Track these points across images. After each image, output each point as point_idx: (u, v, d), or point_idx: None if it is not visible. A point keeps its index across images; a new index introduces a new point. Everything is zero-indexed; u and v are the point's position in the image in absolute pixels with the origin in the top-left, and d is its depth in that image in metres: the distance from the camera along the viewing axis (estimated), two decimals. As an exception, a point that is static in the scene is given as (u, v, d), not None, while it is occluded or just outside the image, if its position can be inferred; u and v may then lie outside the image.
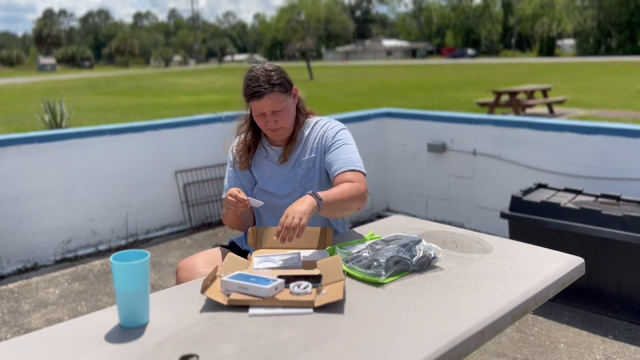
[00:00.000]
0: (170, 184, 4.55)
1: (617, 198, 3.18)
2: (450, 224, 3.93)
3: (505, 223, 3.57)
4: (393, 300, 1.42)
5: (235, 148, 2.11)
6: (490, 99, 12.69)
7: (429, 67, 43.41)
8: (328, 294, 1.42)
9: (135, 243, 4.32)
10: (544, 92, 12.58)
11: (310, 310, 1.37)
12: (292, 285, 1.46)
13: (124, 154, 4.27)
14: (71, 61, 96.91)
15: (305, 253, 1.76)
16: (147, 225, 4.43)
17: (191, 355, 1.17)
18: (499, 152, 4.19)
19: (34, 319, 3.13)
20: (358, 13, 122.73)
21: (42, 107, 8.39)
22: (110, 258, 1.33)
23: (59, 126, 8.15)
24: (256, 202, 1.82)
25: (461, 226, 4.32)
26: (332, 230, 1.85)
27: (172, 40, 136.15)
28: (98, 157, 4.14)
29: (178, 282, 1.93)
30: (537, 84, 16.38)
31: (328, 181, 2.02)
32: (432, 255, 1.63)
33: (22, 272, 3.82)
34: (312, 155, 2.02)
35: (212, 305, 1.42)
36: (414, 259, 1.59)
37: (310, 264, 1.65)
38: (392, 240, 1.69)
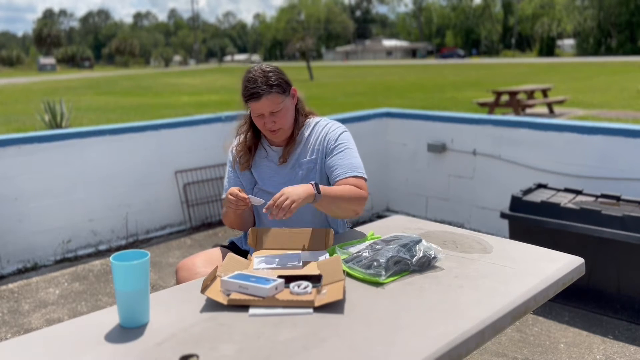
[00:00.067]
0: (170, 184, 4.55)
1: (617, 198, 3.18)
2: (450, 224, 3.93)
3: (505, 223, 3.57)
4: (393, 300, 1.42)
5: (235, 148, 2.11)
6: (490, 99, 12.69)
7: (429, 67, 43.43)
8: (328, 294, 1.42)
9: (135, 243, 4.32)
10: (544, 92, 12.58)
11: (310, 310, 1.37)
12: (292, 285, 1.46)
13: (124, 154, 4.27)
14: (71, 61, 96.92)
15: (305, 253, 1.76)
16: (147, 225, 4.43)
17: (191, 355, 1.17)
18: (499, 152, 4.19)
19: (34, 319, 3.13)
20: (358, 13, 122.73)
21: (42, 107, 8.39)
22: (110, 258, 1.33)
23: (59, 126, 8.15)
24: (257, 200, 1.83)
25: (461, 226, 4.32)
26: (332, 230, 1.85)
27: (172, 40, 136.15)
28: (98, 157, 4.14)
29: (178, 282, 1.93)
30: (537, 84, 16.37)
31: (328, 184, 2.03)
32: (432, 255, 1.63)
33: (22, 272, 3.82)
34: (314, 156, 2.02)
35: (212, 305, 1.42)
36: (414, 259, 1.59)
37: (310, 264, 1.65)
38: (392, 240, 1.69)
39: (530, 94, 12.37)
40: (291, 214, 1.69)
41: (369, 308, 1.38)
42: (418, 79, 28.15)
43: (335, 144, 2.01)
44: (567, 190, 3.38)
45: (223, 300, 1.41)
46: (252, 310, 1.38)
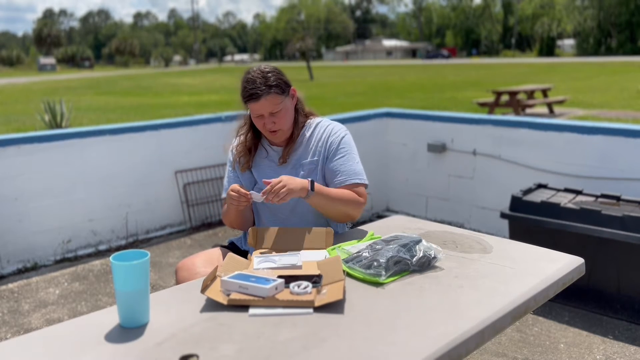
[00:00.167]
0: (170, 184, 4.55)
1: (617, 198, 3.18)
2: (450, 224, 3.93)
3: (505, 223, 3.57)
4: (393, 300, 1.42)
5: (235, 149, 2.11)
6: (490, 99, 12.69)
7: (429, 67, 43.42)
8: (328, 294, 1.42)
9: (135, 243, 4.32)
10: (544, 92, 12.58)
11: (310, 310, 1.37)
12: (292, 285, 1.46)
13: (124, 154, 4.27)
14: (71, 61, 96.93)
15: (305, 253, 1.76)
16: (147, 225, 4.43)
17: (191, 355, 1.17)
18: (499, 152, 4.19)
19: (34, 319, 3.13)
20: (358, 13, 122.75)
21: (42, 107, 8.40)
22: (110, 258, 1.33)
23: (59, 126, 8.15)
24: (258, 197, 1.84)
25: (461, 226, 4.32)
26: (332, 230, 1.86)
27: (172, 40, 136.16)
28: (98, 157, 4.14)
29: (178, 282, 1.93)
30: (537, 84, 16.38)
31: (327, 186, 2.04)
32: (432, 255, 1.63)
33: (22, 272, 3.82)
34: (315, 158, 2.03)
35: (212, 305, 1.42)
36: (414, 259, 1.59)
37: (310, 264, 1.65)
38: (392, 240, 1.69)
39: (530, 94, 12.37)
40: (284, 201, 1.80)
41: (369, 308, 1.38)
42: (418, 79, 28.15)
43: (338, 149, 2.02)
44: (567, 190, 3.38)
45: (223, 300, 1.41)
46: (252, 310, 1.38)
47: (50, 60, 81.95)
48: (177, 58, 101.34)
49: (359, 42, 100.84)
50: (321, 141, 2.04)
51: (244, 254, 2.02)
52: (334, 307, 1.39)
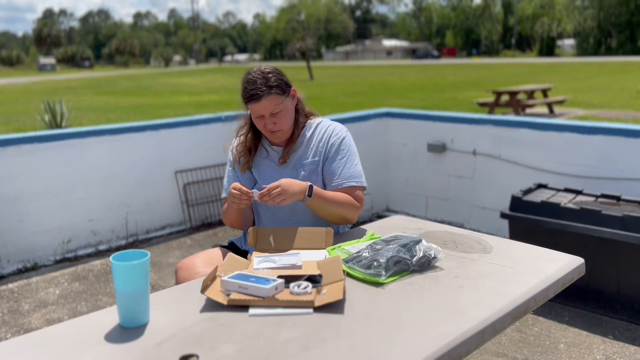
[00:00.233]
0: (170, 184, 4.55)
1: (617, 198, 3.18)
2: (450, 224, 3.93)
3: (505, 223, 3.57)
4: (393, 300, 1.42)
5: (235, 149, 2.11)
6: (490, 99, 12.69)
7: (429, 67, 43.43)
8: (328, 294, 1.41)
9: (135, 243, 4.32)
10: (544, 92, 12.58)
11: (310, 310, 1.37)
12: (292, 285, 1.46)
13: (123, 154, 4.27)
14: (71, 61, 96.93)
15: (305, 253, 1.76)
16: (147, 225, 4.43)
17: (191, 355, 1.17)
18: (499, 152, 4.19)
19: (34, 319, 3.13)
20: (358, 13, 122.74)
21: (42, 107, 8.39)
22: (110, 258, 1.33)
23: (59, 126, 8.15)
24: (259, 195, 1.85)
25: (461, 226, 4.32)
26: (332, 230, 1.86)
27: (172, 40, 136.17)
28: (98, 157, 4.14)
29: (178, 282, 1.93)
30: (537, 84, 16.38)
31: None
32: (432, 255, 1.63)
33: (22, 272, 3.82)
34: (316, 158, 2.03)
35: (212, 305, 1.42)
36: (414, 259, 1.59)
37: (310, 264, 1.65)
38: (392, 240, 1.69)
39: (530, 94, 12.37)
40: (283, 205, 1.85)
41: (369, 308, 1.38)
42: (418, 79, 28.15)
43: (338, 150, 2.02)
44: (567, 190, 3.38)
45: (223, 300, 1.41)
46: (252, 310, 1.38)
47: (50, 60, 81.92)
48: (177, 58, 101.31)
49: (359, 42, 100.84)
50: (322, 142, 2.04)
51: (244, 254, 2.02)
52: (334, 307, 1.39)
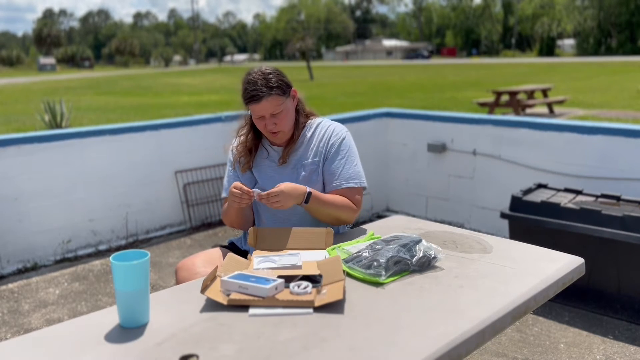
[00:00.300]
0: (170, 184, 4.55)
1: (617, 198, 3.18)
2: (450, 224, 3.93)
3: (505, 223, 3.57)
4: (393, 300, 1.42)
5: (235, 149, 2.11)
6: (490, 99, 12.69)
7: (429, 67, 43.43)
8: (328, 294, 1.41)
9: (135, 243, 4.32)
10: (544, 92, 12.58)
11: (310, 310, 1.37)
12: (292, 285, 1.46)
13: (124, 154, 4.27)
14: (71, 61, 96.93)
15: (305, 253, 1.76)
16: (147, 225, 4.43)
17: (191, 355, 1.17)
18: (499, 152, 4.19)
19: (34, 319, 3.13)
20: (358, 13, 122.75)
21: (42, 107, 8.40)
22: (110, 258, 1.33)
23: (59, 126, 8.15)
24: (258, 195, 1.85)
25: (461, 226, 4.32)
26: (332, 230, 1.86)
27: (172, 40, 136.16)
28: (98, 157, 4.14)
29: (178, 282, 1.93)
30: (537, 84, 16.38)
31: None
32: (432, 255, 1.63)
33: (22, 272, 3.82)
34: (317, 158, 2.03)
35: (212, 305, 1.42)
36: (414, 259, 1.59)
37: (310, 264, 1.65)
38: (392, 240, 1.69)
39: (530, 94, 12.37)
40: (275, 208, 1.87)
41: (369, 308, 1.38)
42: (418, 79, 28.15)
43: (338, 151, 2.02)
44: (567, 190, 3.37)
45: (223, 300, 1.41)
46: (252, 310, 1.38)
47: (50, 60, 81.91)
48: (177, 58, 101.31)
49: (359, 42, 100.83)
50: (322, 142, 2.04)
51: (244, 254, 2.02)
52: (334, 307, 1.39)
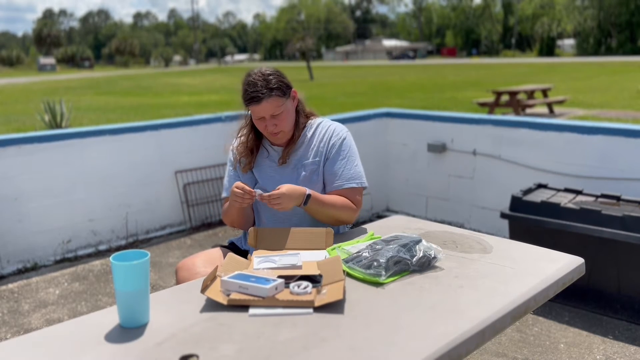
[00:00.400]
0: (170, 184, 4.55)
1: (617, 198, 3.18)
2: (450, 224, 3.93)
3: (505, 223, 3.57)
4: (393, 300, 1.42)
5: (236, 149, 2.11)
6: (490, 99, 12.69)
7: (429, 67, 43.43)
8: (328, 294, 1.42)
9: (135, 243, 4.32)
10: (544, 92, 12.58)
11: (310, 310, 1.37)
12: (292, 285, 1.46)
13: (124, 154, 4.27)
14: (71, 61, 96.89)
15: (305, 253, 1.76)
16: (147, 225, 4.43)
17: (191, 355, 1.17)
18: (499, 152, 4.19)
19: (34, 319, 3.13)
20: (358, 13, 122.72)
21: (42, 107, 8.39)
22: (110, 258, 1.33)
23: (59, 126, 8.15)
24: (259, 195, 1.85)
25: (461, 226, 4.32)
26: (332, 230, 1.86)
27: (172, 40, 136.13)
28: (98, 157, 4.14)
29: (178, 282, 1.94)
30: (537, 84, 16.37)
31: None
32: (432, 255, 1.63)
33: (22, 272, 3.82)
34: (317, 158, 2.03)
35: (212, 305, 1.42)
36: (414, 259, 1.59)
37: (310, 264, 1.65)
38: (392, 240, 1.69)
39: (530, 94, 12.37)
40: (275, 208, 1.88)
41: (369, 308, 1.38)
42: (418, 79, 28.15)
43: (338, 151, 2.02)
44: (567, 190, 3.38)
45: (223, 300, 1.41)
46: (252, 310, 1.38)
47: (50, 61, 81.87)
48: (177, 58, 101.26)
49: (359, 42, 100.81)
50: (322, 142, 2.04)
51: (244, 254, 2.02)
52: (334, 307, 1.39)
